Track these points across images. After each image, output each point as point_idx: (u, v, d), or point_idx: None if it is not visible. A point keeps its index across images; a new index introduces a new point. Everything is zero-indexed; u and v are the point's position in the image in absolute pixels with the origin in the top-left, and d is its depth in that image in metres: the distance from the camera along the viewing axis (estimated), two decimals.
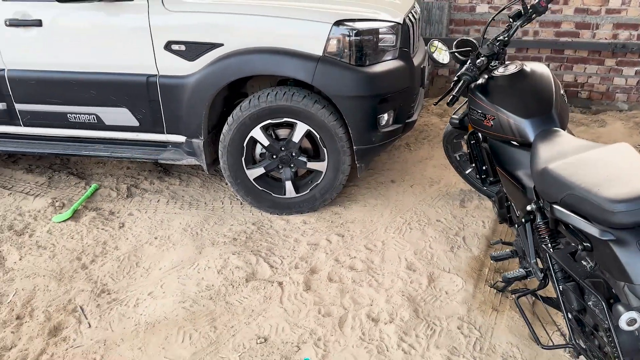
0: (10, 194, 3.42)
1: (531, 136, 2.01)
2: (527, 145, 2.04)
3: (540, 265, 2.02)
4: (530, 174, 1.93)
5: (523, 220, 2.01)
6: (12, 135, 3.36)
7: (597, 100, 5.09)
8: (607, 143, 3.86)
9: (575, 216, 1.56)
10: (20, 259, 2.77)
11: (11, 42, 3.02)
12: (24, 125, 3.27)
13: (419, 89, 3.20)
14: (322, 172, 3.01)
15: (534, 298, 2.25)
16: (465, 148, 3.14)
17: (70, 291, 2.53)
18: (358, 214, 3.10)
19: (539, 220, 1.87)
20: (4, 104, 3.20)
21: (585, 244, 1.58)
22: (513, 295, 2.27)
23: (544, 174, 1.71)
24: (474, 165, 2.71)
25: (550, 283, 1.95)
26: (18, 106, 3.19)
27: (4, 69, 3.11)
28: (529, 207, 1.91)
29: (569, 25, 4.93)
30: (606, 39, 4.87)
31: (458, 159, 3.18)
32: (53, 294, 2.51)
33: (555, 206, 1.64)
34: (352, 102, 2.78)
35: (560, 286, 1.79)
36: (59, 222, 3.09)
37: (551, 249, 1.83)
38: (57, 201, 3.30)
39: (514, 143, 2.11)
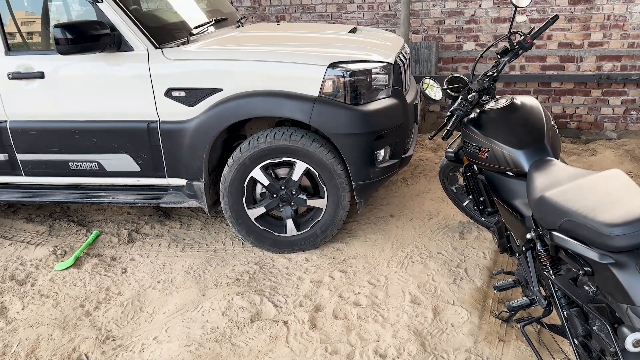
0: (11, 243, 3.43)
1: (526, 166, 2.07)
2: (522, 175, 2.10)
3: (544, 293, 2.04)
4: (528, 203, 1.98)
5: (523, 248, 2.04)
6: (14, 185, 3.39)
7: (586, 130, 5.21)
8: (599, 171, 3.94)
9: (574, 242, 1.60)
10: (23, 309, 2.75)
11: (14, 94, 3.10)
12: (26, 175, 3.31)
13: (412, 125, 3.28)
14: (322, 209, 3.05)
15: (539, 326, 2.26)
16: (461, 180, 3.21)
17: (75, 339, 2.51)
18: (359, 249, 3.12)
19: (539, 247, 1.91)
20: (6, 154, 3.25)
21: (586, 269, 1.62)
22: (518, 325, 2.28)
23: (541, 202, 1.75)
24: (471, 197, 2.77)
25: (554, 310, 1.97)
26: (20, 156, 3.24)
27: (6, 121, 3.17)
28: (528, 236, 1.95)
29: (554, 59, 5.10)
30: (590, 70, 5.04)
31: (455, 191, 3.24)
32: (57, 343, 2.49)
33: (554, 233, 1.68)
34: (349, 140, 2.85)
35: (565, 312, 1.81)
36: (61, 270, 3.09)
37: (553, 276, 1.85)
38: (58, 249, 3.31)
39: (510, 174, 2.16)
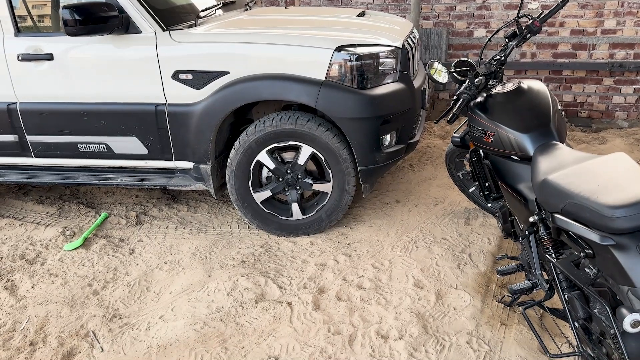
0: (22, 224, 3.48)
1: (531, 150, 2.06)
2: (527, 159, 2.09)
3: (546, 277, 2.05)
4: (532, 187, 1.98)
5: (527, 232, 2.04)
6: (23, 167, 3.44)
7: (597, 119, 5.16)
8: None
9: (576, 224, 1.59)
10: (32, 287, 2.81)
11: (23, 76, 3.13)
12: (35, 157, 3.35)
13: (420, 110, 3.27)
14: (327, 193, 3.06)
15: (541, 310, 2.27)
16: (467, 166, 3.20)
17: (83, 317, 2.56)
18: (364, 234, 3.13)
19: (541, 231, 1.91)
20: (16, 136, 3.29)
21: (587, 251, 1.62)
22: (520, 308, 2.29)
23: (544, 184, 1.75)
24: (477, 182, 2.76)
25: (556, 293, 1.97)
26: (29, 138, 3.28)
27: (16, 102, 3.21)
28: (531, 219, 1.94)
29: (566, 46, 5.04)
30: (603, 58, 4.97)
31: (461, 177, 3.23)
32: (65, 320, 2.54)
33: (556, 215, 1.68)
34: (355, 124, 2.85)
35: (566, 295, 1.81)
36: (70, 250, 3.14)
37: (555, 259, 1.85)
38: (67, 230, 3.36)
39: (515, 158, 2.16)
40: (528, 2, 5.05)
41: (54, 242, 3.25)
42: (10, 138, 3.31)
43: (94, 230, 3.36)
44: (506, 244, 2.93)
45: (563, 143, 2.10)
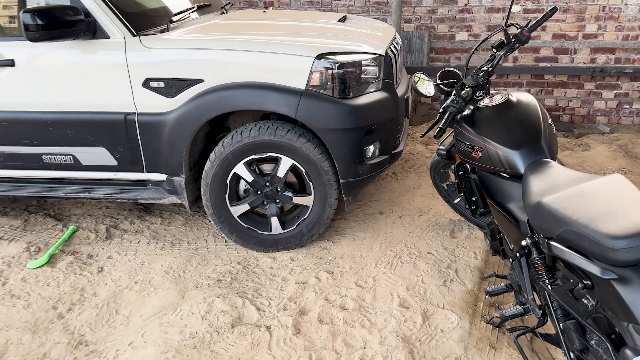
0: None
1: (521, 168, 1.96)
2: (517, 177, 2.00)
3: (538, 302, 1.95)
4: (523, 207, 1.88)
5: (517, 254, 1.94)
6: None
7: (578, 124, 5.13)
8: (592, 167, 3.85)
9: (574, 253, 1.49)
10: None
11: None
12: None
13: (403, 119, 3.16)
14: (308, 206, 2.93)
15: (531, 334, 2.17)
16: (452, 177, 3.10)
17: (46, 344, 2.38)
18: (347, 248, 3.01)
19: (534, 255, 1.81)
20: None
21: (585, 282, 1.52)
22: (510, 334, 2.19)
23: (538, 208, 1.65)
24: (462, 195, 2.66)
25: (549, 319, 1.88)
26: None
27: None
28: (523, 242, 1.84)
29: (548, 50, 5.00)
30: (584, 63, 4.94)
31: (446, 188, 3.13)
32: (27, 348, 2.36)
33: (552, 243, 1.58)
34: (337, 135, 2.72)
35: (561, 324, 1.71)
36: (34, 269, 2.94)
37: (549, 286, 1.76)
38: (32, 246, 3.16)
39: (504, 175, 2.05)
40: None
41: (17, 259, 3.06)
42: None
43: (60, 245, 3.17)
44: (493, 260, 2.84)
45: (555, 160, 2.00)
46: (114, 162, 2.97)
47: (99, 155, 2.96)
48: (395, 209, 3.43)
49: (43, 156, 3.03)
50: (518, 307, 2.02)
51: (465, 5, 5.06)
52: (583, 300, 1.59)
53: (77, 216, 3.56)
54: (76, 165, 3.03)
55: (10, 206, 3.73)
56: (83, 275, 2.87)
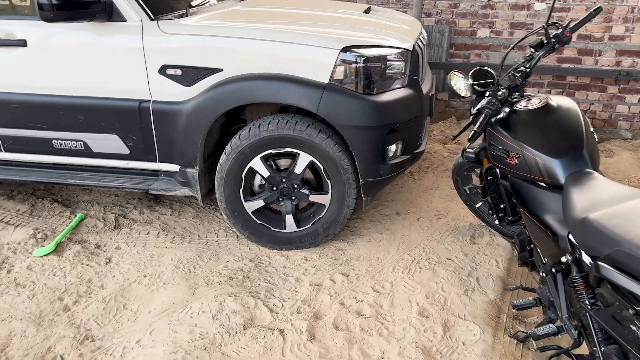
0: None
1: (562, 178, 1.84)
2: (556, 187, 1.88)
3: (574, 322, 1.84)
4: (564, 220, 1.76)
5: (553, 270, 1.83)
6: None
7: (599, 128, 4.99)
8: (616, 174, 3.71)
9: (626, 277, 1.38)
10: None
11: None
12: (5, 151, 3.05)
13: (426, 118, 3.04)
14: (325, 205, 2.82)
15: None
16: (476, 181, 2.98)
17: (50, 337, 2.29)
18: (363, 250, 2.90)
19: (574, 273, 1.69)
20: None
21: (637, 308, 1.41)
22: (541, 352, 2.08)
23: (585, 225, 1.53)
24: (486, 199, 2.55)
25: (584, 341, 1.77)
26: None
27: None
28: (563, 259, 1.73)
29: (572, 51, 4.84)
30: (609, 65, 4.79)
31: (468, 191, 3.02)
32: (31, 341, 2.27)
33: (600, 264, 1.47)
34: (359, 133, 2.61)
35: (602, 348, 1.61)
36: (41, 257, 2.85)
37: (590, 308, 1.64)
38: (39, 232, 3.07)
39: (542, 184, 1.94)
40: (534, 2, 4.84)
41: (23, 245, 2.96)
42: None
43: (67, 233, 3.08)
44: (515, 268, 2.73)
45: (597, 171, 1.88)
46: (126, 151, 2.87)
47: (111, 142, 2.86)
48: (413, 210, 3.32)
49: (53, 141, 2.93)
50: (551, 325, 1.91)
51: (488, 0, 4.91)
52: (631, 326, 1.48)
53: (85, 203, 3.47)
54: (87, 152, 2.93)
55: (17, 190, 3.64)
56: (90, 266, 2.78)
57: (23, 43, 2.74)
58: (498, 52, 5.07)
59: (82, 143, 2.91)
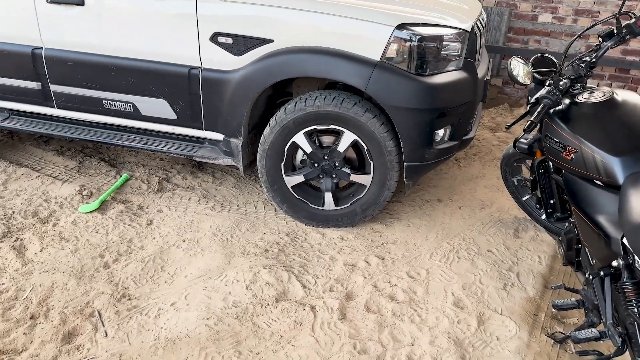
0: (39, 176, 3.30)
1: (620, 178, 1.73)
2: (614, 187, 1.77)
3: (619, 329, 1.75)
4: (618, 223, 1.66)
5: (601, 272, 1.74)
6: (45, 117, 3.22)
7: None
8: None
9: None
10: (41, 250, 2.63)
11: (51, 20, 2.87)
12: (58, 108, 3.13)
13: (479, 103, 2.93)
14: (365, 186, 2.78)
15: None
16: (525, 173, 2.87)
17: (90, 292, 2.37)
18: (400, 234, 2.85)
19: (625, 279, 1.60)
20: (39, 83, 3.06)
21: None
22: (580, 356, 2.00)
23: None
24: (535, 193, 2.45)
25: (628, 350, 1.69)
26: (53, 87, 3.05)
27: (41, 47, 2.96)
28: (614, 263, 1.64)
29: (638, 43, 4.55)
30: None
31: (516, 183, 2.91)
32: (71, 294, 2.35)
33: None
34: (408, 115, 2.54)
35: None
36: (85, 213, 2.94)
37: (638, 316, 1.56)
38: (85, 189, 3.16)
39: (598, 183, 1.83)
40: None
41: (69, 201, 3.06)
42: (33, 85, 3.08)
43: (112, 192, 3.15)
44: (558, 267, 2.63)
45: None
46: (174, 116, 2.89)
47: (159, 107, 2.89)
48: (455, 198, 3.23)
49: (103, 101, 2.98)
50: (593, 330, 1.83)
51: None
52: None
53: (130, 164, 3.54)
54: (135, 114, 2.97)
55: (67, 146, 3.75)
56: (132, 227, 2.85)
57: (81, 2, 2.78)
58: (559, 39, 4.83)
59: (131, 105, 2.95)
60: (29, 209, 2.96)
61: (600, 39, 2.14)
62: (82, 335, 2.13)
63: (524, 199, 2.90)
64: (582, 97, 1.99)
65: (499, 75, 5.11)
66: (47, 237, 2.73)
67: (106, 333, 2.14)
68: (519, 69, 2.20)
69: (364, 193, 2.79)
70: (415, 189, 3.31)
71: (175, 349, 2.06)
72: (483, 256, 2.67)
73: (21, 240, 2.70)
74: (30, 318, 2.20)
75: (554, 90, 1.93)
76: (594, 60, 2.09)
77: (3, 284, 2.39)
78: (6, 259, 2.55)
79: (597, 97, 1.96)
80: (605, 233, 1.74)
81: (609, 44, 2.11)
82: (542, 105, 1.90)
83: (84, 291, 2.37)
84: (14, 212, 2.92)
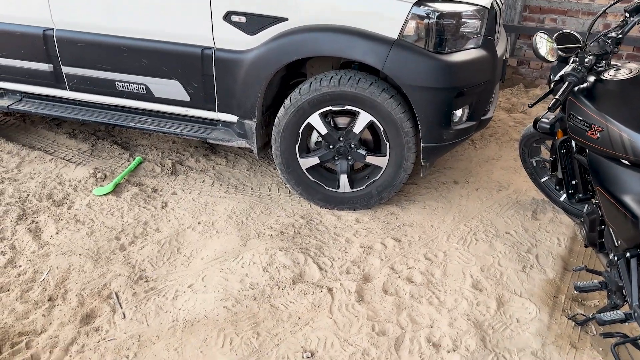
0: (52, 159, 3.29)
1: None
2: None
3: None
4: None
5: (627, 254, 1.70)
6: (57, 99, 3.21)
7: None
8: None
9: None
10: (57, 233, 2.63)
11: (62, 0, 2.83)
12: (70, 90, 3.11)
13: (497, 83, 2.87)
14: (381, 167, 2.74)
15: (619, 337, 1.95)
16: (545, 154, 2.81)
17: (107, 274, 2.37)
18: (417, 216, 2.82)
19: None
20: (51, 65, 3.04)
21: None
22: (604, 338, 1.97)
23: None
24: (555, 174, 2.40)
25: None
26: (65, 69, 3.02)
27: (52, 29, 2.93)
28: None
29: None
30: None
31: (534, 164, 2.86)
32: (88, 276, 2.35)
33: None
34: (425, 94, 2.49)
35: None
36: (100, 196, 2.94)
37: None
38: (99, 172, 3.15)
39: (625, 162, 1.79)
40: None
41: (83, 183, 3.06)
42: (45, 67, 3.06)
43: (126, 175, 3.15)
44: (578, 248, 2.59)
45: None
46: (187, 98, 2.86)
47: (172, 88, 2.85)
48: (472, 179, 3.19)
49: (116, 83, 2.96)
50: (619, 312, 1.80)
51: None
52: None
53: (143, 147, 3.53)
54: (148, 96, 2.94)
55: (79, 129, 3.74)
56: (147, 209, 2.84)
57: None
58: (576, 18, 4.71)
59: (144, 87, 2.92)
60: (44, 191, 2.96)
61: (627, 14, 2.07)
62: (100, 317, 2.13)
63: (542, 180, 2.86)
64: (608, 75, 1.94)
65: (514, 55, 5.01)
66: (62, 219, 2.73)
67: (124, 315, 2.15)
68: (543, 45, 2.14)
69: (379, 175, 2.76)
70: (431, 171, 3.27)
71: (194, 330, 2.06)
72: (501, 238, 2.63)
73: (37, 222, 2.70)
74: (49, 300, 2.21)
75: (580, 67, 1.88)
76: (620, 36, 2.03)
77: (20, 266, 2.39)
78: (22, 241, 2.55)
79: (624, 74, 1.90)
80: (633, 213, 1.70)
81: (636, 19, 2.04)
82: (567, 83, 1.85)
83: (100, 273, 2.37)
84: (28, 195, 2.92)
